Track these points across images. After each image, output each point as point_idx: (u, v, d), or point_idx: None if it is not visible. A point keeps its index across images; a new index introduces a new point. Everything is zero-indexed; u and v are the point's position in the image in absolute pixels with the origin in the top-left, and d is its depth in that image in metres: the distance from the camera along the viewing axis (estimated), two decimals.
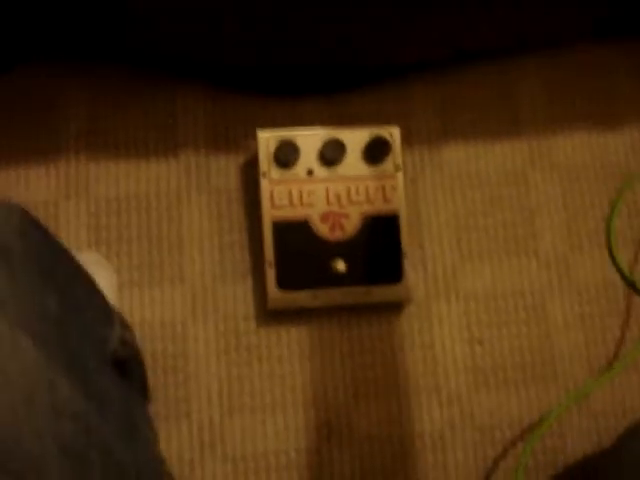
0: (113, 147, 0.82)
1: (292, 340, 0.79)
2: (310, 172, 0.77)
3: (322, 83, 0.83)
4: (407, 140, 0.84)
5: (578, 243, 0.85)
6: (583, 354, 0.82)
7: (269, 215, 0.76)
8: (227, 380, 0.78)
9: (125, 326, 0.61)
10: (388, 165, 0.78)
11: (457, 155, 0.85)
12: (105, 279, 0.76)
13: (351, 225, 0.77)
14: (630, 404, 0.82)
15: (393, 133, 0.78)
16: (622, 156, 0.88)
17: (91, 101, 0.83)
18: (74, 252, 0.73)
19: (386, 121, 0.83)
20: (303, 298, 0.76)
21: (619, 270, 0.84)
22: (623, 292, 0.84)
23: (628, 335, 0.83)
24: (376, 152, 0.77)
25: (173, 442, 0.77)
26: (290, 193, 0.77)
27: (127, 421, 0.52)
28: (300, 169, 0.77)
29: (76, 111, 0.83)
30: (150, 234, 0.81)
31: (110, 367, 0.54)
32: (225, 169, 0.83)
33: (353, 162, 0.77)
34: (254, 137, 0.78)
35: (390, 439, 0.78)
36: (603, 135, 0.88)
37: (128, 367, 0.59)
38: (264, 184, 0.76)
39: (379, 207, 0.77)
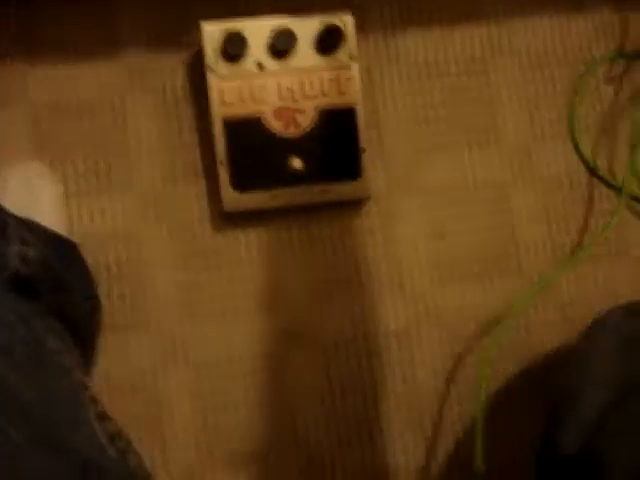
0: (50, 50, 0.77)
1: (251, 243, 0.77)
2: (260, 65, 0.73)
3: None
4: (362, 29, 0.80)
5: (540, 132, 0.82)
6: (547, 245, 0.81)
7: (219, 113, 0.72)
8: (185, 287, 0.76)
9: (28, 243, 0.56)
10: (342, 55, 0.74)
11: (415, 43, 0.81)
12: (48, 190, 0.72)
13: (306, 120, 0.73)
14: (595, 295, 0.80)
15: (346, 21, 0.74)
16: (584, 40, 0.85)
17: (23, 2, 0.77)
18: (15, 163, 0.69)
19: (339, 9, 0.78)
20: (259, 199, 0.73)
21: (582, 158, 0.82)
22: (586, 181, 0.82)
23: (592, 224, 0.81)
24: (329, 42, 0.73)
25: (133, 352, 0.75)
26: (240, 89, 0.73)
27: (30, 351, 0.48)
28: (249, 63, 0.73)
29: (6, 12, 0.77)
30: (95, 140, 0.77)
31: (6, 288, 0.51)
32: (170, 67, 0.78)
33: (305, 53, 0.73)
34: (198, 31, 0.73)
35: (355, 340, 0.77)
36: (565, 18, 0.84)
37: (36, 286, 0.55)
38: (212, 80, 0.72)
39: (334, 100, 0.74)
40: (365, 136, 0.75)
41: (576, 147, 0.83)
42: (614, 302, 0.79)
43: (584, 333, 0.64)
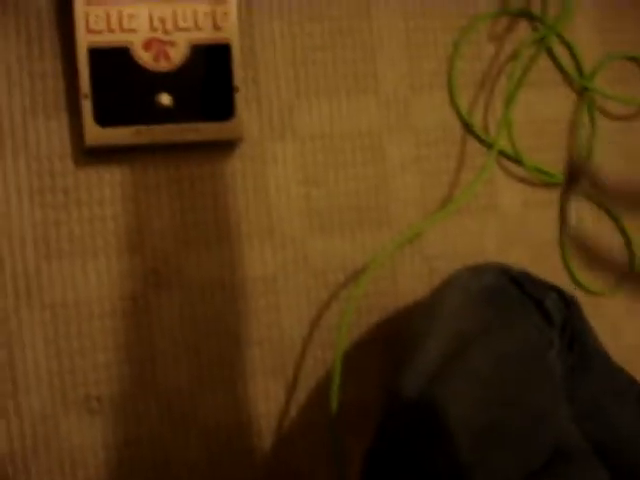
0: None
1: (114, 181, 0.73)
2: None
3: None
4: None
5: (419, 83, 0.82)
6: (419, 198, 0.81)
7: (84, 41, 0.68)
8: (43, 224, 0.72)
9: None
10: None
11: None
12: None
13: (178, 54, 0.70)
14: (462, 248, 0.82)
15: None
16: None
17: None
18: None
19: None
20: (124, 135, 0.69)
21: (458, 112, 0.82)
22: (461, 135, 0.82)
23: (463, 178, 0.82)
24: None
25: None
26: (108, 15, 0.68)
27: None
28: None
29: None
30: None
31: None
32: None
33: None
34: None
35: (222, 284, 0.75)
36: None
37: None
38: (77, 4, 0.68)
39: (209, 35, 0.70)
40: (240, 75, 0.72)
41: (452, 101, 0.83)
42: (481, 256, 0.80)
43: (435, 289, 0.65)
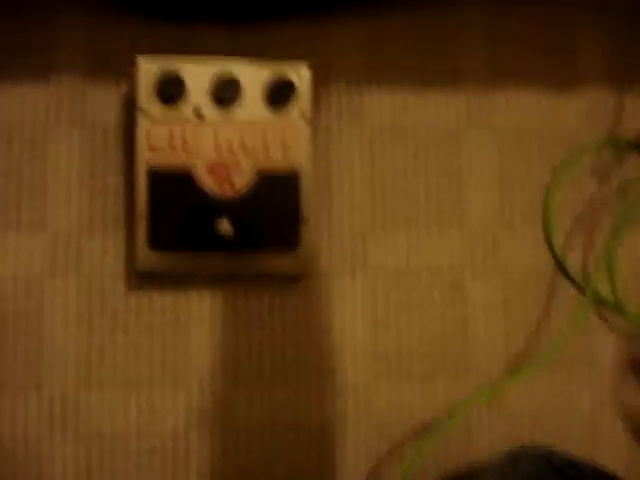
0: None
1: (166, 308, 0.67)
2: (198, 112, 0.64)
3: (226, 7, 0.69)
4: (323, 81, 0.71)
5: (510, 217, 0.73)
6: (502, 346, 0.72)
7: (144, 159, 0.64)
8: (87, 348, 0.67)
9: None
10: (293, 112, 0.65)
11: (381, 104, 0.73)
12: None
13: (243, 180, 0.64)
14: (550, 407, 0.72)
15: (301, 73, 0.65)
16: (573, 122, 0.76)
17: None
18: None
19: (300, 57, 0.70)
20: (179, 262, 0.64)
21: (552, 251, 0.73)
22: (553, 277, 0.73)
23: (554, 325, 0.73)
24: (279, 95, 0.64)
25: (19, 416, 0.66)
26: (172, 135, 0.64)
27: None
28: (186, 107, 0.64)
29: None
30: (9, 169, 0.68)
31: None
32: (104, 100, 0.69)
33: (250, 104, 0.65)
34: (135, 63, 0.65)
35: (273, 429, 0.68)
36: (553, 96, 0.76)
37: None
38: (141, 122, 0.64)
39: (278, 161, 0.65)
40: (309, 204, 0.66)
41: (547, 238, 0.74)
42: (571, 417, 0.70)
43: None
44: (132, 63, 0.68)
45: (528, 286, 0.73)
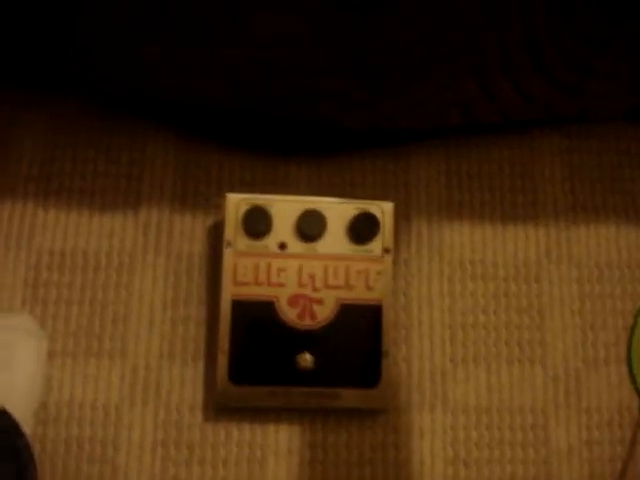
0: (66, 194, 0.71)
1: (243, 440, 0.67)
2: (283, 246, 0.65)
3: (311, 143, 0.71)
4: (404, 215, 0.72)
5: (593, 355, 0.71)
6: None
7: (229, 292, 0.64)
8: (161, 479, 0.65)
9: None
10: (375, 246, 0.65)
11: (461, 239, 0.73)
12: (28, 348, 0.64)
13: (324, 313, 0.64)
14: None
15: (385, 209, 0.66)
16: None
17: (49, 139, 0.72)
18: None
19: (380, 193, 0.72)
20: (258, 396, 0.64)
21: (638, 392, 0.71)
22: (637, 418, 0.70)
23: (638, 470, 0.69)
24: (363, 230, 0.65)
25: None
26: (257, 268, 0.65)
27: None
28: (271, 241, 0.65)
29: (30, 149, 0.72)
30: (94, 297, 0.69)
31: None
32: (190, 231, 0.71)
33: (334, 239, 0.65)
34: (225, 197, 0.67)
35: None
36: (635, 231, 0.75)
37: None
38: (228, 255, 0.65)
39: (360, 294, 0.65)
40: (390, 337, 0.65)
41: (633, 378, 0.72)
42: None
43: None
44: (220, 196, 0.69)
45: (612, 426, 0.71)
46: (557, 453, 0.70)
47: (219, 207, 0.71)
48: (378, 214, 0.66)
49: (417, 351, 0.70)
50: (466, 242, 0.73)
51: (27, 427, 0.62)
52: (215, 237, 0.71)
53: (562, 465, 0.70)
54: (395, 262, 0.70)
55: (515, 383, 0.71)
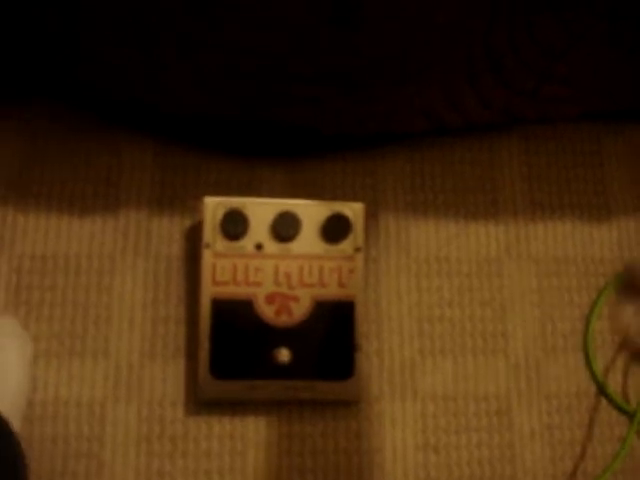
0: (45, 199, 0.73)
1: (224, 433, 0.70)
2: (259, 246, 0.68)
3: (284, 146, 0.74)
4: (372, 215, 0.75)
5: (552, 345, 0.76)
6: (548, 470, 0.73)
7: (208, 291, 0.67)
8: (146, 473, 0.68)
9: None
10: (347, 245, 0.69)
11: (427, 237, 0.77)
12: (16, 350, 0.66)
13: (300, 310, 0.68)
14: None
15: (356, 210, 0.70)
16: (607, 251, 0.80)
17: (27, 146, 0.74)
18: None
19: (350, 194, 0.75)
20: (238, 389, 0.67)
21: (594, 378, 0.76)
22: (596, 402, 0.75)
23: (599, 451, 0.74)
24: (335, 230, 0.69)
25: None
26: (235, 268, 0.68)
27: None
28: (248, 242, 0.68)
29: (9, 155, 0.74)
30: (76, 299, 0.71)
31: None
32: (168, 233, 0.74)
33: (308, 239, 0.69)
34: (202, 201, 0.69)
35: None
36: (588, 227, 0.80)
37: None
38: (206, 256, 0.68)
39: (333, 291, 0.68)
40: (362, 331, 0.69)
41: (589, 365, 0.76)
42: None
43: None
44: (197, 199, 0.72)
45: (571, 411, 0.75)
46: (520, 437, 0.74)
47: (196, 210, 0.74)
48: (350, 215, 0.69)
49: (387, 344, 0.74)
50: (432, 240, 0.77)
51: (16, 426, 0.64)
52: (192, 239, 0.73)
53: (525, 448, 0.74)
54: (365, 260, 0.73)
55: (480, 372, 0.75)
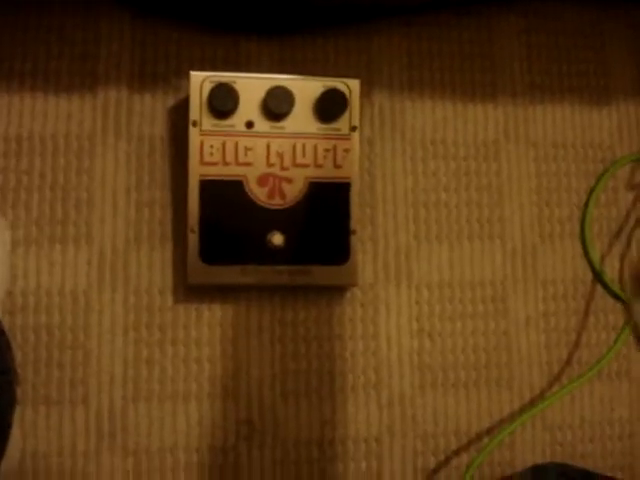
0: (18, 77, 0.68)
1: (214, 320, 0.67)
2: (250, 124, 0.64)
3: (273, 20, 0.69)
4: (367, 96, 0.72)
5: (549, 231, 0.74)
6: (544, 357, 0.72)
7: (196, 172, 0.63)
8: (134, 362, 0.66)
9: None
10: (343, 124, 0.65)
11: (423, 119, 0.73)
12: None
13: (293, 191, 0.65)
14: (589, 417, 0.72)
15: (352, 87, 0.66)
16: (607, 137, 0.77)
17: None
18: None
19: (344, 72, 0.71)
20: (229, 274, 0.64)
21: (590, 264, 0.74)
22: (593, 289, 0.74)
23: (594, 337, 0.73)
24: (330, 108, 0.65)
25: (66, 430, 0.65)
26: (224, 147, 0.64)
27: None
28: (238, 120, 0.64)
29: None
30: (55, 183, 0.67)
31: None
32: (151, 112, 0.69)
33: (302, 117, 0.65)
34: (187, 77, 0.65)
35: (320, 442, 0.68)
36: (588, 111, 0.77)
37: None
38: (193, 134, 0.64)
39: (328, 172, 0.65)
40: (358, 217, 0.66)
41: (585, 252, 0.75)
42: (610, 426, 0.70)
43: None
44: (180, 76, 0.68)
45: (567, 298, 0.74)
46: (516, 324, 0.73)
47: (179, 88, 0.70)
48: (346, 91, 0.65)
49: (382, 229, 0.71)
50: (428, 122, 0.74)
51: None
52: (176, 118, 0.69)
53: (520, 335, 0.73)
54: (361, 141, 0.70)
55: (475, 258, 0.73)
